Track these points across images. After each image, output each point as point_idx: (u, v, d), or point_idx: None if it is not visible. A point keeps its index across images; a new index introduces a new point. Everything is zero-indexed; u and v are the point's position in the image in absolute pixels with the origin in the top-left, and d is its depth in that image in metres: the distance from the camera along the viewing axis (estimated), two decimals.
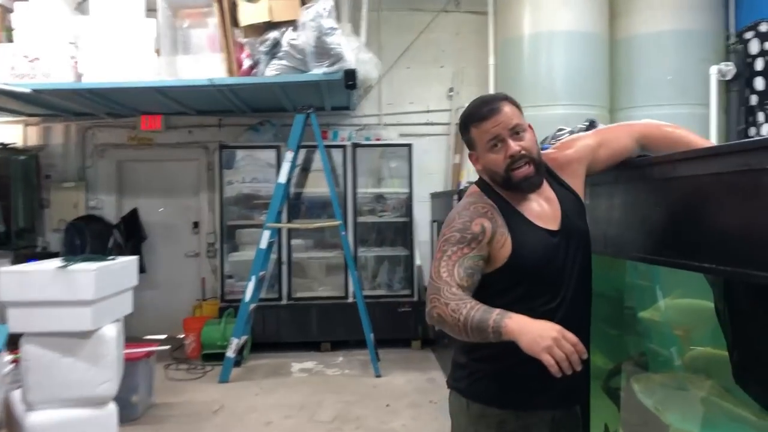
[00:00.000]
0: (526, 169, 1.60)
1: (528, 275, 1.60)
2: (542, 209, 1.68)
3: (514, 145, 1.59)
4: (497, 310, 1.42)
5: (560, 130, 2.32)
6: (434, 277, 1.56)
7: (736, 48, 5.52)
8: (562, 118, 4.14)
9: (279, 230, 5.36)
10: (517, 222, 1.62)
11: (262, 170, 5.81)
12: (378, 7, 6.11)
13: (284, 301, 5.57)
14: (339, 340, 5.60)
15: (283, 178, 4.72)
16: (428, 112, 6.23)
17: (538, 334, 1.35)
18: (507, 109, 1.64)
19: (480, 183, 1.72)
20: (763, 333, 1.36)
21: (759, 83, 5.34)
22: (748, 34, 5.45)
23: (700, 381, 2.69)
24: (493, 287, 1.60)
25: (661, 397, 2.14)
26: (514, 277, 1.60)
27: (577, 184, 1.77)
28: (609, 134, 1.87)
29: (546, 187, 1.70)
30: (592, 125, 2.24)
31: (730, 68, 5.37)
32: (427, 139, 6.17)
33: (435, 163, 6.20)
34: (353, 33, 5.44)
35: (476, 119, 1.63)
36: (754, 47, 5.41)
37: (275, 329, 5.54)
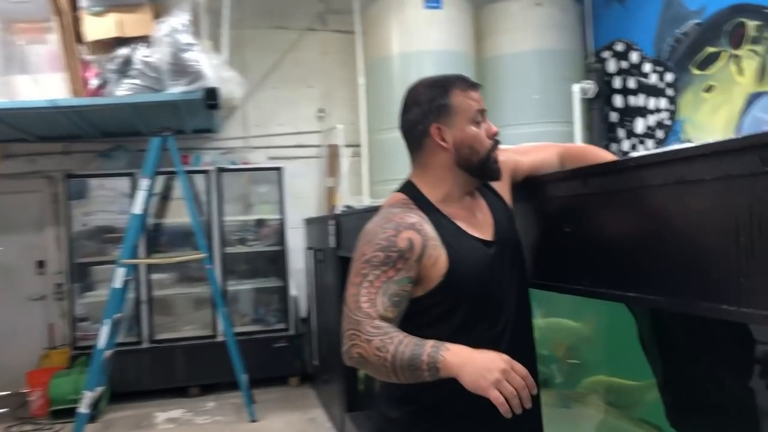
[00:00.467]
0: (497, 154, 1.47)
1: (467, 295, 1.38)
2: (475, 218, 1.48)
3: (494, 126, 1.47)
4: (431, 342, 1.19)
5: None
6: (352, 309, 1.30)
7: (595, 67, 5.68)
8: None
9: (137, 266, 4.86)
10: (450, 232, 1.41)
11: (116, 200, 5.26)
12: (241, 25, 5.77)
13: (145, 344, 5.04)
14: (209, 383, 5.14)
15: (138, 209, 4.25)
16: (298, 134, 5.95)
17: (483, 366, 1.13)
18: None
19: (406, 188, 1.49)
20: (703, 373, 1.19)
21: (618, 101, 5.52)
22: (606, 54, 5.64)
23: (586, 399, 2.57)
24: (423, 315, 1.36)
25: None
26: (451, 300, 1.38)
27: (504, 190, 1.60)
28: (528, 146, 1.73)
29: (477, 194, 1.53)
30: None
31: (591, 86, 5.51)
32: (298, 162, 5.87)
33: (308, 187, 5.92)
34: (214, 51, 5.07)
35: (464, 85, 1.44)
36: (611, 66, 5.59)
37: (136, 376, 5.00)
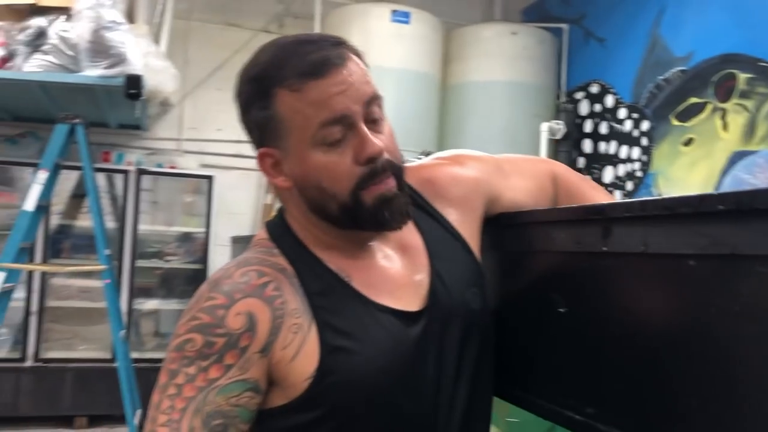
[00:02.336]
0: (388, 184, 0.85)
1: (359, 413, 0.81)
2: (388, 271, 0.91)
3: (373, 139, 0.84)
4: None
5: None
6: None
7: (567, 107, 5.30)
8: None
9: (30, 271, 4.19)
10: (333, 301, 0.84)
11: (19, 193, 4.59)
12: (187, 16, 5.23)
13: (29, 363, 4.34)
14: (100, 414, 4.45)
15: (30, 205, 3.60)
16: (239, 142, 5.37)
17: None
18: (354, 66, 0.86)
19: (274, 223, 0.93)
20: None
21: (587, 145, 5.14)
22: (579, 94, 5.26)
23: None
24: None
25: None
26: (329, 421, 0.81)
27: (468, 224, 1.00)
28: (510, 158, 1.14)
29: (408, 226, 0.92)
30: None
31: (560, 127, 5.11)
32: (234, 173, 5.29)
33: (242, 202, 5.34)
34: (152, 39, 4.51)
35: (297, 75, 0.81)
36: (584, 108, 5.22)
37: (13, 399, 4.28)
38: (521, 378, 0.93)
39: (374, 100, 0.87)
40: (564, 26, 5.37)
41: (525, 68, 5.17)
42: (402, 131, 4.13)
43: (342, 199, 0.84)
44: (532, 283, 0.92)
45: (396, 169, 0.87)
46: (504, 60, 5.15)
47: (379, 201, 0.85)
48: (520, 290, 0.96)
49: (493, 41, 5.16)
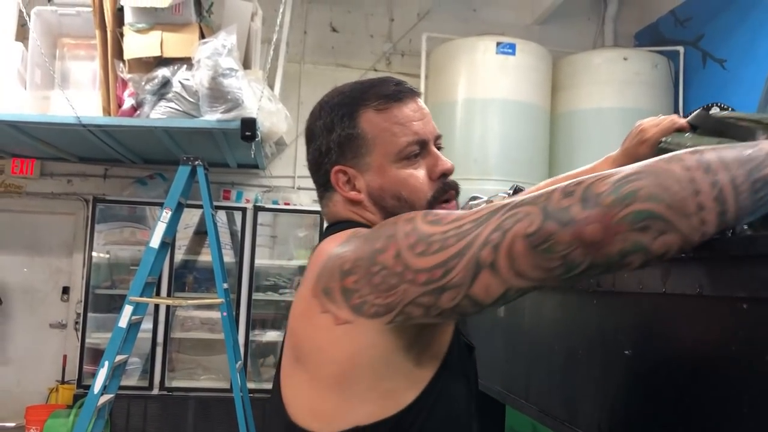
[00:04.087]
0: (454, 206, 0.96)
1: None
2: None
3: (445, 158, 0.96)
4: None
5: (474, 198, 1.64)
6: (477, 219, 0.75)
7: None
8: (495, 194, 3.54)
9: (156, 305, 4.48)
10: None
11: (150, 230, 4.93)
12: (300, 60, 5.48)
13: (155, 391, 4.61)
14: None
15: (155, 242, 3.86)
16: None
17: None
18: (423, 103, 0.99)
19: (355, 224, 0.97)
20: None
21: None
22: None
23: None
24: None
25: None
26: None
27: None
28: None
29: None
30: (517, 192, 1.62)
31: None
32: None
33: None
34: (266, 83, 4.75)
35: (385, 100, 0.94)
36: None
37: (142, 424, 4.55)
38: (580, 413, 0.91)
39: (440, 137, 0.98)
40: (680, 48, 5.15)
41: (638, 94, 5.00)
42: (509, 161, 4.15)
43: (419, 209, 0.92)
44: (593, 324, 0.90)
45: (458, 191, 0.98)
46: (615, 86, 5.00)
47: None
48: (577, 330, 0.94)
49: (603, 68, 5.04)
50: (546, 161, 5.02)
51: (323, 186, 1.00)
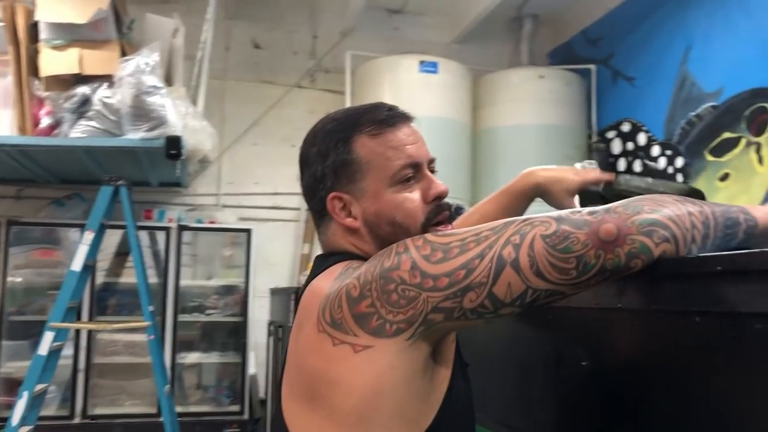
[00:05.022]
0: (448, 227, 0.97)
1: None
2: None
3: (439, 181, 0.99)
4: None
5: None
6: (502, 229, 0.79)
7: (599, 146, 5.31)
8: None
9: (77, 330, 4.31)
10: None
11: (65, 251, 4.75)
12: (223, 76, 5.42)
13: (77, 420, 4.42)
14: None
15: (77, 265, 3.73)
16: (275, 194, 5.50)
17: None
18: (419, 131, 1.03)
19: (349, 256, 0.98)
20: None
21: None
22: (611, 133, 5.27)
23: None
24: None
25: None
26: None
27: None
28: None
29: None
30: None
31: (593, 167, 5.10)
32: (271, 225, 5.41)
33: (280, 253, 5.43)
34: (190, 100, 4.68)
35: (378, 125, 0.97)
36: (616, 146, 5.21)
37: None
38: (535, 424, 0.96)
39: (433, 160, 1.02)
40: (591, 67, 5.41)
41: (554, 111, 5.21)
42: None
43: (414, 232, 0.94)
44: (549, 336, 0.96)
45: (452, 213, 1.00)
46: (533, 104, 5.20)
47: None
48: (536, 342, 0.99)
49: (520, 86, 5.23)
50: (469, 176, 5.16)
51: (319, 213, 1.01)
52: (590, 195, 1.48)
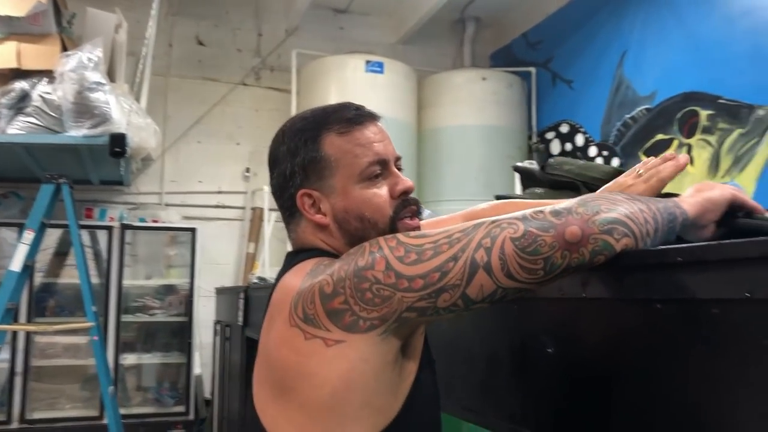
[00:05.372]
0: (416, 222, 1.01)
1: None
2: None
3: (405, 177, 1.02)
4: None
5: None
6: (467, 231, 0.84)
7: (539, 147, 5.47)
8: None
9: (14, 332, 4.19)
10: None
11: (2, 253, 4.59)
12: (166, 72, 5.34)
13: (15, 425, 4.29)
14: None
15: (17, 265, 3.62)
16: (220, 193, 5.45)
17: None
18: (382, 127, 1.05)
19: (318, 253, 0.99)
20: None
21: None
22: (550, 134, 5.43)
23: None
24: None
25: None
26: None
27: None
28: (431, 221, 1.37)
29: None
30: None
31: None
32: (216, 224, 5.36)
33: (225, 253, 5.39)
34: (133, 97, 4.59)
35: (346, 124, 0.98)
36: (555, 147, 5.38)
37: None
38: (497, 410, 1.02)
39: (399, 158, 1.05)
40: (532, 69, 5.57)
41: (496, 112, 5.34)
42: None
43: (381, 227, 0.97)
44: (517, 326, 1.02)
45: (419, 208, 1.04)
46: (475, 104, 5.32)
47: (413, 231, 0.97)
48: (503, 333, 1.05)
49: (464, 87, 5.34)
50: (415, 176, 5.24)
51: (289, 210, 1.03)
52: (527, 174, 1.56)
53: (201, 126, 5.44)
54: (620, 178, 1.09)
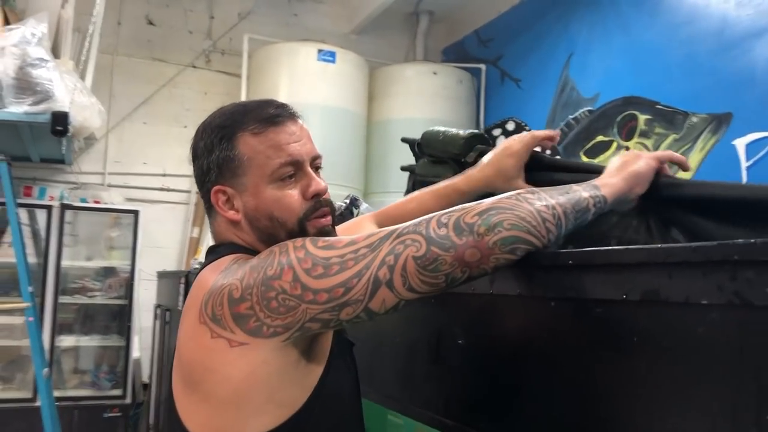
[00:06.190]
0: (328, 220, 1.02)
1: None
2: None
3: (319, 179, 1.02)
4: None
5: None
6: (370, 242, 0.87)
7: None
8: None
9: None
10: None
11: None
12: (113, 51, 5.25)
13: None
14: None
15: None
16: (164, 176, 5.39)
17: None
18: (302, 126, 1.05)
19: (235, 248, 1.02)
20: None
21: None
22: (496, 131, 5.54)
23: None
24: None
25: None
26: None
27: None
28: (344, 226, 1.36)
29: None
30: (353, 203, 1.79)
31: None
32: (160, 207, 5.30)
33: (168, 236, 5.34)
34: (78, 75, 4.50)
35: (261, 123, 0.99)
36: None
37: None
38: (414, 398, 1.08)
39: (318, 157, 1.05)
40: (482, 66, 5.66)
41: (445, 106, 5.42)
42: (328, 165, 4.30)
43: (290, 227, 0.99)
44: (430, 316, 1.08)
45: (332, 209, 1.05)
46: (425, 98, 5.38)
47: (319, 232, 1.00)
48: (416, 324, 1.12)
49: (414, 80, 5.40)
50: (363, 166, 5.28)
51: (208, 204, 1.05)
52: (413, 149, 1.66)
53: (147, 107, 5.37)
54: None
